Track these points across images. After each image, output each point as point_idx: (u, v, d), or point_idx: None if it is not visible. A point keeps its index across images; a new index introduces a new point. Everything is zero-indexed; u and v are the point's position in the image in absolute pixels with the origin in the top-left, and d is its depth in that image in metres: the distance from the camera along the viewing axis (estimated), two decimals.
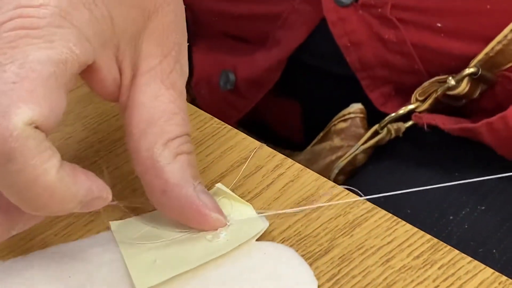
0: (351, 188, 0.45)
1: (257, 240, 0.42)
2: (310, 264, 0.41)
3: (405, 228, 0.43)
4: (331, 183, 0.45)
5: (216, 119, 0.50)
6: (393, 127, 0.63)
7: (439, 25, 0.60)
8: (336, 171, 0.65)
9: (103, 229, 0.44)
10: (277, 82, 0.69)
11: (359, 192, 0.45)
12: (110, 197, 0.39)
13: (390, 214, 0.44)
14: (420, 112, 0.62)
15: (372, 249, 0.42)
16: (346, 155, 0.65)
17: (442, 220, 0.58)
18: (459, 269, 0.41)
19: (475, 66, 0.60)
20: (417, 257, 0.41)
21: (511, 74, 0.60)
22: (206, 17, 0.71)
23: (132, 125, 0.41)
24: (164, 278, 0.40)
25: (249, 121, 0.74)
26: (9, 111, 0.35)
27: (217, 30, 0.73)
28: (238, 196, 0.45)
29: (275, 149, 0.70)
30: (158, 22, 0.42)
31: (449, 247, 0.42)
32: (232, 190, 0.45)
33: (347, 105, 0.65)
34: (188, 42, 0.44)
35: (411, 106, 0.63)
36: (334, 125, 0.66)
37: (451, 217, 0.58)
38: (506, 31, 0.58)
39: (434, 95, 0.62)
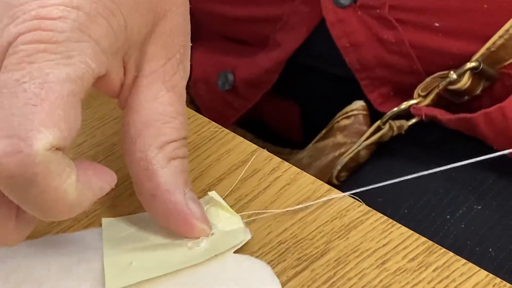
0: (353, 196, 0.45)
1: (247, 248, 0.42)
2: (306, 267, 0.42)
3: (400, 231, 0.43)
4: (327, 186, 0.46)
5: (213, 123, 0.50)
6: (395, 124, 0.64)
7: (437, 25, 0.60)
8: (339, 167, 0.65)
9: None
10: (276, 82, 0.69)
11: (358, 198, 0.45)
12: (115, 182, 0.40)
13: (386, 217, 0.44)
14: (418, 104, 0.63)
15: (367, 252, 0.42)
16: (349, 151, 0.65)
17: (439, 219, 0.58)
18: (453, 271, 0.41)
19: (476, 60, 0.60)
20: (412, 259, 0.42)
21: (511, 71, 0.60)
22: (205, 19, 0.72)
23: (130, 124, 0.41)
24: (135, 281, 0.40)
25: (248, 121, 0.74)
26: (31, 136, 0.35)
27: (216, 32, 0.73)
28: (236, 198, 0.45)
29: (274, 148, 0.71)
30: (167, 25, 0.42)
31: (443, 249, 0.42)
32: (229, 194, 0.45)
33: (346, 106, 0.66)
34: None
35: (413, 101, 0.63)
36: (337, 122, 0.66)
37: (448, 217, 0.58)
38: (507, 25, 0.58)
39: (436, 90, 0.62)
